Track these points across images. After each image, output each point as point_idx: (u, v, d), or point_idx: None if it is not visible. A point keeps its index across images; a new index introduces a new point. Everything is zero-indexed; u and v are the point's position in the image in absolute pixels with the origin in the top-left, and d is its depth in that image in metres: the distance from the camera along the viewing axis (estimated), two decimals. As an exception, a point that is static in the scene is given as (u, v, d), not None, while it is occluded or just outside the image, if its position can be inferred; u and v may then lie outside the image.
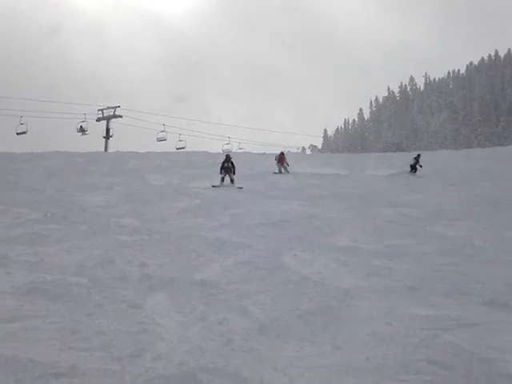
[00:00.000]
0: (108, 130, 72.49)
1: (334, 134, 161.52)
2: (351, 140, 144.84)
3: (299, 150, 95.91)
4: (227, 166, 30.74)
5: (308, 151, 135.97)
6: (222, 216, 18.84)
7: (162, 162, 40.71)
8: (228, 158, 31.25)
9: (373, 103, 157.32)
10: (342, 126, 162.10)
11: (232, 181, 30.26)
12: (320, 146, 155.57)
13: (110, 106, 73.30)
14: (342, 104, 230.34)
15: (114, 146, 70.93)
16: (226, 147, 74.88)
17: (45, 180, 27.22)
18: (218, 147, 76.70)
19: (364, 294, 9.86)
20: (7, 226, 15.23)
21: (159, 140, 72.55)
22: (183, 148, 70.75)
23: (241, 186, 28.79)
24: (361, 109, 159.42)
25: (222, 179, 30.14)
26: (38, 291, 9.33)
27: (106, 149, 69.33)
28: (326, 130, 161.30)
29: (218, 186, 28.86)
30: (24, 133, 65.99)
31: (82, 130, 70.15)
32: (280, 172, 37.16)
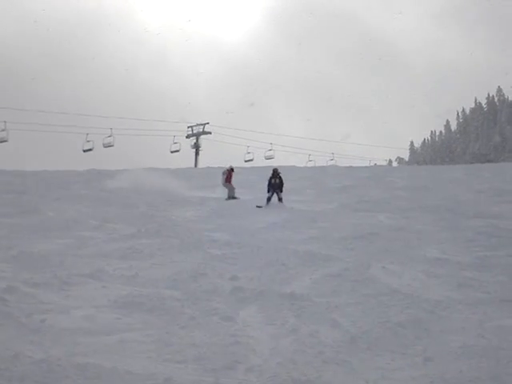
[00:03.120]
0: (198, 147, 73.52)
1: (421, 146, 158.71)
2: (438, 152, 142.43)
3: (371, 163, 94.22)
4: (274, 183, 26.93)
5: (394, 164, 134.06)
6: (310, 229, 18.87)
7: (251, 176, 40.96)
8: (276, 173, 27.32)
9: (459, 115, 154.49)
10: (429, 138, 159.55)
11: (280, 200, 26.47)
12: (407, 159, 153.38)
13: (199, 122, 74.46)
14: (427, 117, 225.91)
15: (204, 161, 71.52)
16: (330, 163, 74.66)
17: (138, 196, 27.76)
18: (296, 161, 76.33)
19: (455, 306, 9.77)
20: (103, 241, 15.66)
21: (267, 158, 73.08)
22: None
23: (290, 206, 25.53)
24: (447, 120, 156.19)
25: (269, 199, 26.41)
26: (134, 304, 9.59)
27: (195, 165, 70.27)
28: (412, 143, 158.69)
29: (261, 207, 25.46)
30: (90, 150, 67.64)
31: (195, 146, 71.93)
32: (233, 197, 29.05)
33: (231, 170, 30.31)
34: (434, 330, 8.59)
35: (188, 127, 73.94)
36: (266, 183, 27.18)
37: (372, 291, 10.61)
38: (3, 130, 63.87)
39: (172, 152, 71.57)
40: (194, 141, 73.60)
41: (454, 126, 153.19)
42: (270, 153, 74.34)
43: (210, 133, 74.47)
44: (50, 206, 22.53)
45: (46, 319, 8.61)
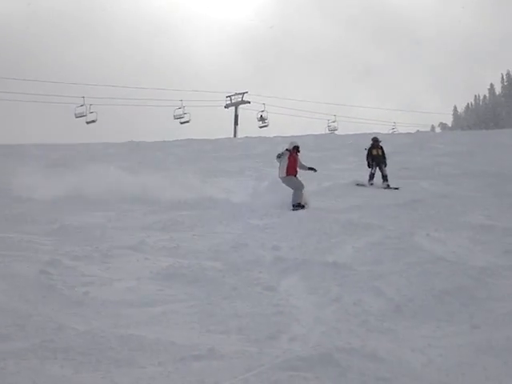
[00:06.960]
0: (236, 117, 73.37)
1: (465, 111, 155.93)
2: (483, 116, 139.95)
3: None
4: (376, 154, 22.88)
5: (437, 129, 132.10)
6: (352, 197, 18.75)
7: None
8: (376, 143, 23.13)
9: (504, 78, 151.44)
10: (473, 103, 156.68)
11: (384, 177, 22.19)
12: (450, 124, 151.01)
13: (237, 92, 74.23)
14: (470, 81, 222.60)
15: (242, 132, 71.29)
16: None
17: (177, 167, 27.78)
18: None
19: (501, 272, 9.54)
20: (143, 214, 15.71)
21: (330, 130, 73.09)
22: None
23: (396, 186, 21.51)
24: (491, 84, 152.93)
25: (372, 175, 22.57)
26: (176, 276, 9.58)
27: (234, 135, 70.14)
28: (455, 107, 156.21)
29: (363, 185, 22.21)
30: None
31: (262, 119, 71.73)
32: (299, 205, 16.88)
33: (296, 150, 17.94)
34: (480, 297, 8.42)
35: (226, 97, 73.87)
36: (365, 155, 23.35)
37: (416, 259, 10.40)
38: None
39: (182, 123, 70.84)
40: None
41: (498, 90, 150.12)
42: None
43: (249, 102, 74.22)
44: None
45: (89, 291, 8.63)
